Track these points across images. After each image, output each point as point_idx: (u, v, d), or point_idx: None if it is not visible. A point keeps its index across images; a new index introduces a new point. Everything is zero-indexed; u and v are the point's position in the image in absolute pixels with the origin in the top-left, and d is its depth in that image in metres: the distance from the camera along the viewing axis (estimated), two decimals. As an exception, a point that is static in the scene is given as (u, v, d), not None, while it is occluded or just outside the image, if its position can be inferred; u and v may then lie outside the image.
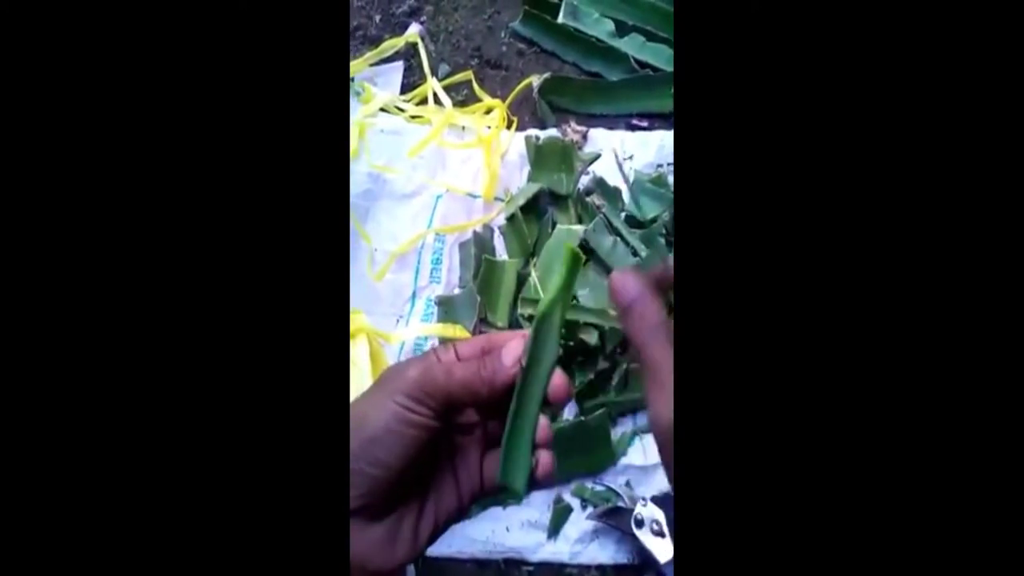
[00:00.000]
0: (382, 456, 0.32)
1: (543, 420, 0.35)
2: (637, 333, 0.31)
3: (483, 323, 0.67)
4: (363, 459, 0.32)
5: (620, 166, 0.72)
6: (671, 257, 0.35)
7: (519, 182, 0.73)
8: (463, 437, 0.38)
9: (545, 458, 0.36)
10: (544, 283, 0.66)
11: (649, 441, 0.67)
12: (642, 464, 0.66)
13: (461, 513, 0.37)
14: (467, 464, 0.37)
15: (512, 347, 0.35)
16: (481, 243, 0.70)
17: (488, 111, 0.75)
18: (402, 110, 0.75)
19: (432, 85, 0.75)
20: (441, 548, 0.65)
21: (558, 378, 0.35)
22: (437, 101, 0.75)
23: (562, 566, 0.65)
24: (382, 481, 0.32)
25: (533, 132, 0.74)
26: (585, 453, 0.66)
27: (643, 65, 0.77)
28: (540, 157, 0.71)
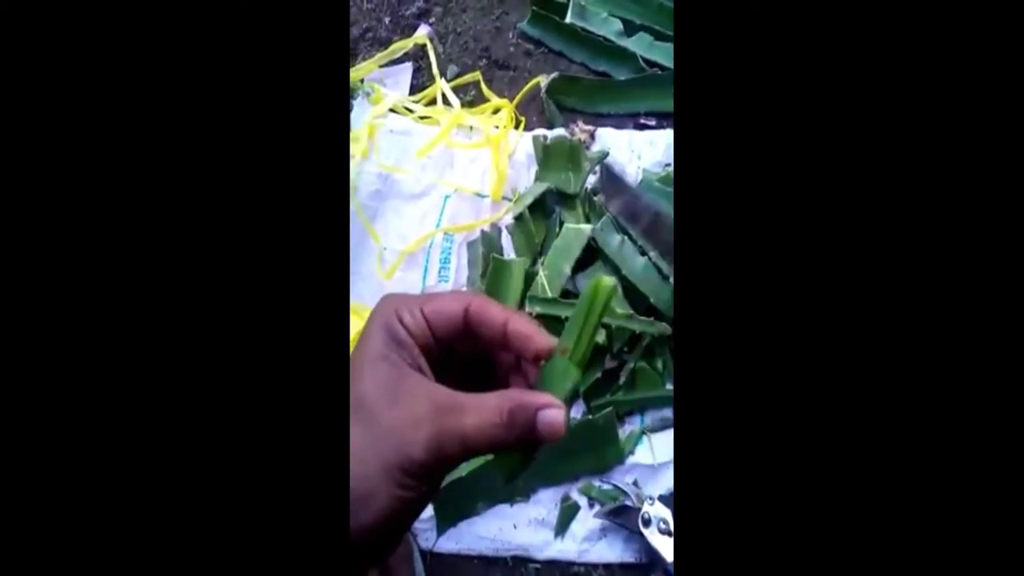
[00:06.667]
0: (362, 517, 0.27)
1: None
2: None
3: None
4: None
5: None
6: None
7: (527, 181, 0.73)
8: None
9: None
10: (551, 283, 0.66)
11: (657, 440, 0.67)
12: (649, 463, 0.66)
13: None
14: None
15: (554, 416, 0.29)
16: (489, 242, 0.70)
17: (496, 111, 0.75)
18: (411, 111, 0.75)
19: (441, 86, 0.76)
20: (449, 545, 0.65)
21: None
22: (446, 101, 0.75)
23: (569, 564, 0.66)
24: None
25: (541, 132, 0.74)
26: (592, 452, 0.66)
27: (651, 64, 0.77)
28: (548, 157, 0.72)
